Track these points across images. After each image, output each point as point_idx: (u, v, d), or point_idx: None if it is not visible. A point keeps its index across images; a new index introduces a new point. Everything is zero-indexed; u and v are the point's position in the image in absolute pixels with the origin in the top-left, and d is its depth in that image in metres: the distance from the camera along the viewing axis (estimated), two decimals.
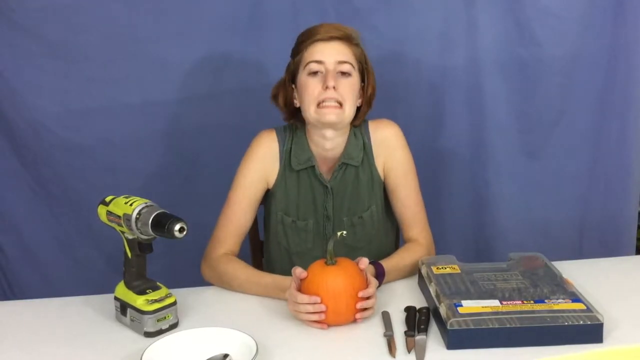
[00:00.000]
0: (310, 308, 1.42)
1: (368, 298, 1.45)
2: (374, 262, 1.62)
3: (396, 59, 2.15)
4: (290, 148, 1.73)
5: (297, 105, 1.68)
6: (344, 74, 1.62)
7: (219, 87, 2.16)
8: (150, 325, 1.42)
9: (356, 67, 1.64)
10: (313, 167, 1.71)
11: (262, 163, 1.72)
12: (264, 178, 1.73)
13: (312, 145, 1.71)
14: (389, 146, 1.74)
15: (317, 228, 1.75)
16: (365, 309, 1.45)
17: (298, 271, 1.46)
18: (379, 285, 1.57)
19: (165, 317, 1.44)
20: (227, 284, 1.64)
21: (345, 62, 1.62)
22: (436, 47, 2.17)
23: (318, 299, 1.41)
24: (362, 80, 1.68)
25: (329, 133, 1.66)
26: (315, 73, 1.61)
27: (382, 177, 1.76)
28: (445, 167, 2.29)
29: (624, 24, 2.14)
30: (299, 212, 1.75)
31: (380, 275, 1.60)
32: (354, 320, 1.45)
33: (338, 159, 1.72)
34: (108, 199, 1.49)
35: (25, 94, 2.07)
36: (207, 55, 2.12)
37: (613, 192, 2.29)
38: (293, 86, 1.68)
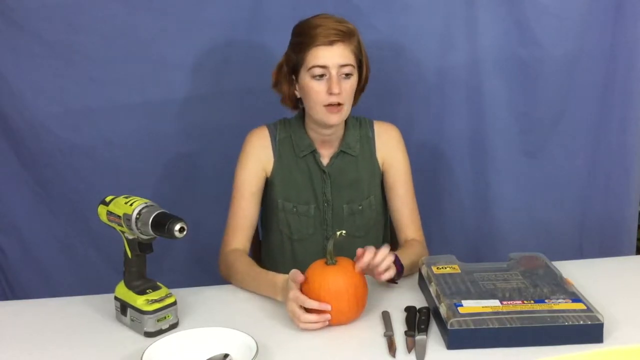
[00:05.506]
0: (315, 318, 1.41)
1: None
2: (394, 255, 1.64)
3: (396, 58, 2.15)
4: (286, 137, 1.78)
5: (299, 96, 1.73)
6: (346, 75, 1.66)
7: (220, 87, 2.16)
8: (150, 325, 1.42)
9: (356, 65, 1.69)
10: (313, 152, 1.76)
11: (256, 156, 1.78)
12: (262, 169, 1.78)
13: (311, 132, 1.77)
14: (392, 144, 1.82)
15: (318, 213, 1.79)
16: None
17: (299, 278, 1.44)
18: (398, 277, 1.60)
19: (165, 317, 1.44)
20: (233, 279, 1.67)
21: (347, 65, 1.65)
22: (436, 47, 2.16)
23: (328, 307, 1.41)
24: (360, 68, 1.71)
25: (331, 129, 1.73)
26: (319, 75, 1.65)
27: (381, 170, 1.81)
28: (445, 167, 2.28)
29: (624, 24, 2.13)
30: (299, 198, 1.78)
31: (398, 266, 1.60)
32: (356, 318, 1.46)
33: (337, 147, 1.78)
34: (108, 199, 1.49)
35: (25, 94, 2.07)
36: (207, 55, 2.12)
37: (613, 192, 2.28)
38: (293, 77, 1.72)
